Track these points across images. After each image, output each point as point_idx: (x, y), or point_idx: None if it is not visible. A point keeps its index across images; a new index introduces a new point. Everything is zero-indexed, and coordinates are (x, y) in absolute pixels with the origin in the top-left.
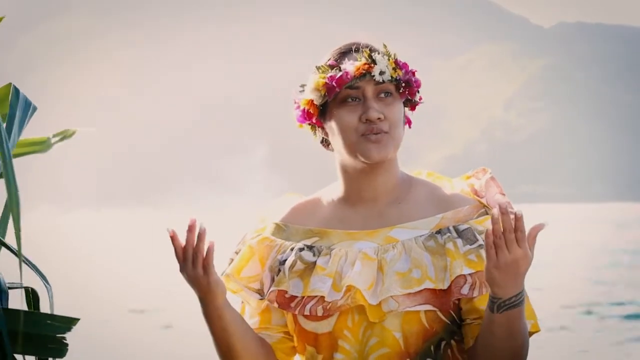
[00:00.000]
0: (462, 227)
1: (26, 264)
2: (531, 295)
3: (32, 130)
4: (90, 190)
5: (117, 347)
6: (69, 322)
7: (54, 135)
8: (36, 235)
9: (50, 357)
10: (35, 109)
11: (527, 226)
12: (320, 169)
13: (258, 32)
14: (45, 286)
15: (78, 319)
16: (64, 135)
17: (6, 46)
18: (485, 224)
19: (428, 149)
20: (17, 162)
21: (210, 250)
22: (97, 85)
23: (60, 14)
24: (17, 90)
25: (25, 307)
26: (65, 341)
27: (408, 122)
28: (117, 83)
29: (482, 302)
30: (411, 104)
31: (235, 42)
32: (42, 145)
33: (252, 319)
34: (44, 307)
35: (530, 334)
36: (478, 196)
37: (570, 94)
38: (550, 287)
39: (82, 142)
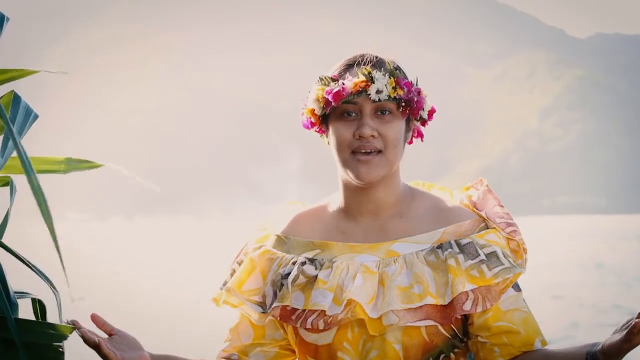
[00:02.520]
0: (464, 241)
1: (33, 270)
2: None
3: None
4: (124, 198)
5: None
6: (65, 331)
7: (80, 162)
8: (65, 243)
9: None
10: (36, 116)
11: (567, 237)
12: None
13: (297, 41)
14: (53, 292)
15: (74, 328)
16: (90, 166)
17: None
18: (486, 237)
19: (462, 160)
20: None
21: (100, 344)
22: (132, 93)
23: (93, 19)
24: (17, 97)
25: (32, 318)
26: (61, 349)
27: (419, 135)
28: (152, 91)
29: (495, 319)
30: (421, 121)
31: (273, 51)
32: (60, 166)
33: (246, 334)
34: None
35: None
36: (477, 209)
37: (606, 104)
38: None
39: (117, 150)
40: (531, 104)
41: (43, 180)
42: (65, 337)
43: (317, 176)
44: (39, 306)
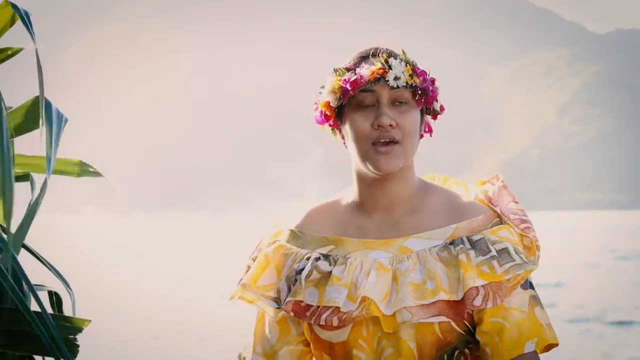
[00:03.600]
0: (476, 237)
1: (49, 268)
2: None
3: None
4: (143, 193)
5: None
6: (80, 324)
7: (87, 169)
8: (86, 237)
9: (61, 358)
10: (66, 120)
11: (581, 232)
12: None
13: (320, 39)
14: (68, 291)
15: (89, 321)
16: (94, 173)
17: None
18: (498, 233)
19: (481, 155)
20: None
21: None
22: (151, 88)
23: (112, 13)
24: (49, 103)
25: (50, 310)
26: (76, 342)
27: (429, 130)
28: (171, 87)
29: (490, 314)
30: (433, 113)
31: (294, 49)
32: (74, 168)
33: (272, 332)
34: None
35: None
36: (492, 204)
37: (625, 100)
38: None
39: (136, 145)
40: (550, 100)
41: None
42: (80, 330)
43: (337, 172)
44: (55, 299)
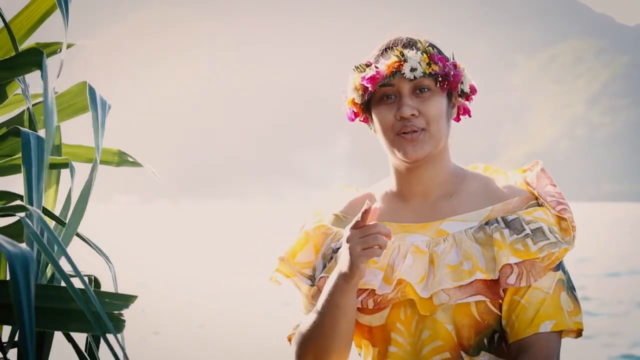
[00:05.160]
0: (510, 217)
1: (91, 246)
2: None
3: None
4: (170, 181)
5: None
6: (126, 300)
7: (126, 159)
8: (111, 224)
9: (107, 333)
10: (109, 107)
11: (606, 223)
12: None
13: (345, 32)
14: (108, 265)
15: (136, 297)
16: (134, 164)
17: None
18: (534, 214)
19: (509, 146)
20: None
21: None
22: (180, 78)
23: (137, 8)
24: (92, 90)
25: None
26: (122, 317)
27: (466, 112)
28: (200, 76)
29: (514, 292)
30: (465, 96)
31: (321, 40)
32: (114, 158)
33: (308, 308)
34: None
35: (571, 332)
36: (531, 187)
37: None
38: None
39: (164, 134)
40: (579, 92)
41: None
42: (127, 306)
43: (364, 162)
44: (94, 284)
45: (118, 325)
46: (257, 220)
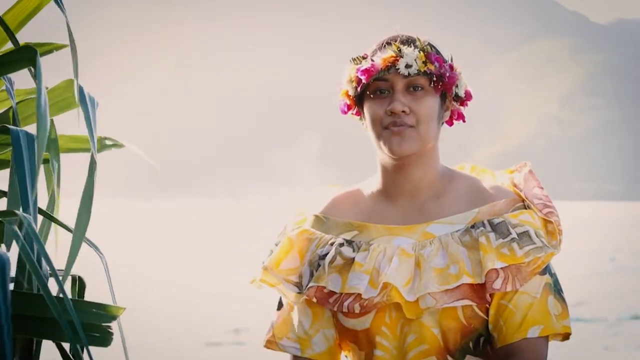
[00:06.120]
0: (497, 220)
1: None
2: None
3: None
4: (141, 179)
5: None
6: (114, 312)
7: (105, 140)
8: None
9: (94, 345)
10: (98, 104)
11: (578, 222)
12: (372, 161)
13: (315, 32)
14: (99, 256)
15: (124, 308)
16: (115, 146)
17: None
18: (520, 217)
19: (482, 145)
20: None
21: None
22: (150, 75)
23: (104, 5)
24: (81, 88)
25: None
26: (110, 330)
27: (460, 117)
28: (171, 74)
29: (501, 296)
30: (460, 100)
31: (295, 37)
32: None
33: (305, 316)
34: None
35: (564, 336)
36: (517, 189)
37: (627, 91)
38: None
39: (134, 133)
40: (551, 90)
41: (68, 159)
42: (115, 318)
43: (334, 161)
44: (78, 283)
45: (106, 337)
46: (226, 218)
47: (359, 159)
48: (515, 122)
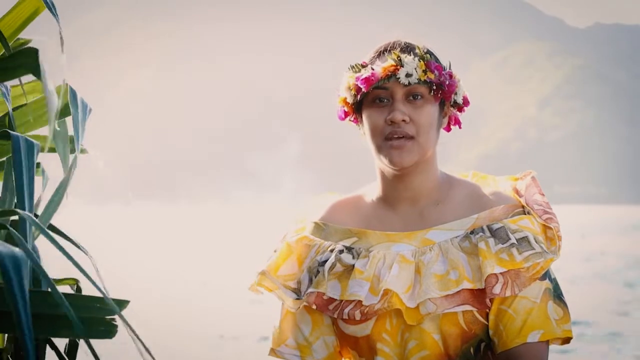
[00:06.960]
0: (496, 226)
1: (67, 239)
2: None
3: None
4: (122, 183)
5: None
6: (119, 305)
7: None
8: (67, 227)
9: (99, 338)
10: (90, 110)
11: (566, 227)
12: (353, 167)
13: (295, 35)
14: (88, 256)
15: (128, 301)
16: (81, 150)
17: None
18: (519, 223)
19: (461, 148)
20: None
21: None
22: (130, 78)
23: (99, 6)
24: (73, 92)
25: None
26: (114, 323)
27: (457, 122)
28: (151, 78)
29: (500, 301)
30: (457, 106)
31: (276, 40)
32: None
33: (304, 323)
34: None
35: (562, 340)
36: (518, 196)
37: (605, 94)
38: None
39: (114, 135)
40: (530, 93)
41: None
42: (118, 311)
43: (315, 165)
44: (75, 288)
45: (111, 330)
46: (209, 222)
47: (340, 165)
48: (494, 125)
